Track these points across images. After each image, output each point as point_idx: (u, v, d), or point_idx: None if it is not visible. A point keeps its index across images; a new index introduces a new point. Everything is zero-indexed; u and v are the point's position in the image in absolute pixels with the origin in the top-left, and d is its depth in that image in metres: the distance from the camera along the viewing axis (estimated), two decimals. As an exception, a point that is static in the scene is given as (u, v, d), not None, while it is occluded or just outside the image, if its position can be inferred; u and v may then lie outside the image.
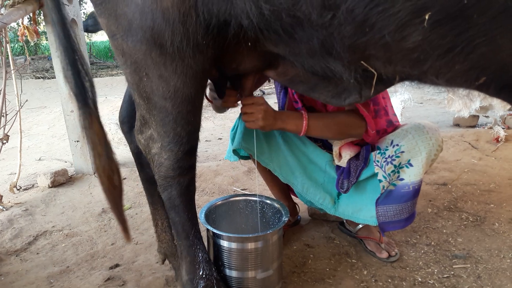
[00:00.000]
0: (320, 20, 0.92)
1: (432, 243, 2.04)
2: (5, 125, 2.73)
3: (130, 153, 1.78)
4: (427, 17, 0.79)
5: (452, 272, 1.80)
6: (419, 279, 1.76)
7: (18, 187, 3.08)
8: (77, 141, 3.14)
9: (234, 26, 1.06)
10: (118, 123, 1.79)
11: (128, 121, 1.69)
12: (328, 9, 0.89)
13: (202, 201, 2.68)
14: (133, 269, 1.94)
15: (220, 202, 1.76)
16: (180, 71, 1.17)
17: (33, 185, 3.15)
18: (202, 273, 1.50)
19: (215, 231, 1.53)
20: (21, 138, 3.01)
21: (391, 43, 0.89)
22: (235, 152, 1.88)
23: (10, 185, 3.04)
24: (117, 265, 1.99)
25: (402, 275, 1.79)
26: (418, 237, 2.11)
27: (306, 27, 0.97)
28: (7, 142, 2.74)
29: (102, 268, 1.99)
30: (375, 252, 1.93)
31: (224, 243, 1.53)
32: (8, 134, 2.75)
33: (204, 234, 1.66)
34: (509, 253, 1.92)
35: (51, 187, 3.01)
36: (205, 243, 1.62)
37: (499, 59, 0.86)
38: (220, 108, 1.70)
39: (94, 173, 3.23)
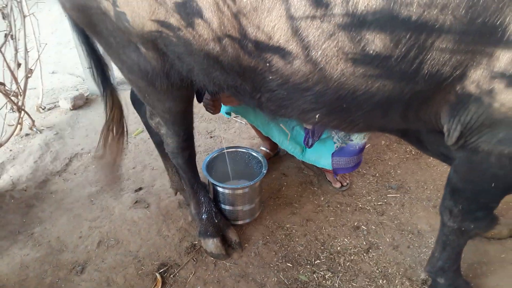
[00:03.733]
0: (253, 96, 1.43)
1: (377, 174, 2.70)
2: (26, 58, 3.12)
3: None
4: (317, 116, 1.30)
5: (385, 200, 2.49)
6: (360, 205, 2.46)
7: (43, 107, 3.60)
8: (90, 67, 3.55)
9: (198, 85, 1.55)
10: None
11: (137, 101, 2.20)
12: (256, 92, 1.39)
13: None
14: (153, 192, 2.62)
15: (216, 154, 2.35)
16: (171, 98, 1.68)
17: (55, 105, 3.67)
18: (205, 208, 2.17)
19: (214, 182, 2.15)
20: (41, 67, 3.41)
21: (297, 118, 1.44)
22: (227, 113, 2.40)
23: (36, 106, 3.57)
24: (140, 188, 2.67)
25: (348, 202, 2.49)
26: (368, 168, 2.76)
27: (245, 96, 1.48)
28: (31, 76, 3.17)
29: (129, 190, 2.66)
30: (332, 182, 2.59)
31: (221, 190, 2.17)
32: (32, 68, 3.16)
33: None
34: (431, 185, 2.59)
35: (72, 110, 3.54)
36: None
37: (375, 125, 1.42)
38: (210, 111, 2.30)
39: (106, 95, 3.72)
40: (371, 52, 1.11)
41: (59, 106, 3.64)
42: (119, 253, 2.20)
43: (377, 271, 2.05)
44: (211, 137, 3.15)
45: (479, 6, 1.02)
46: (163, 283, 2.03)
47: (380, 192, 2.56)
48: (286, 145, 2.46)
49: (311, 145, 2.35)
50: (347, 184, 2.59)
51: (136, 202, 2.54)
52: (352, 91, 1.22)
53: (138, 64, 1.52)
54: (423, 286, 1.96)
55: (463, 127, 1.28)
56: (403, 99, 1.25)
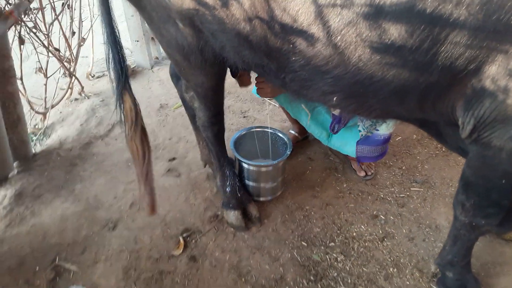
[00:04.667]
0: (277, 75, 1.52)
1: (403, 167, 2.71)
2: (81, 27, 3.34)
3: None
4: (335, 99, 1.37)
5: (407, 193, 2.51)
6: (382, 195, 2.50)
7: (92, 75, 3.84)
8: (137, 40, 3.75)
9: (229, 63, 1.65)
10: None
11: (176, 75, 2.33)
12: (281, 72, 1.47)
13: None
14: (185, 163, 2.77)
15: (245, 132, 2.45)
16: (204, 73, 1.80)
17: (103, 74, 3.90)
18: (229, 182, 2.30)
19: (240, 158, 2.26)
20: (93, 37, 3.64)
21: (318, 100, 1.51)
22: (259, 93, 2.50)
23: (86, 73, 3.81)
24: (174, 158, 2.83)
25: (370, 191, 2.53)
26: (395, 160, 2.78)
27: (271, 75, 1.57)
28: (83, 44, 3.39)
29: (163, 159, 2.83)
30: (356, 170, 2.64)
31: (246, 166, 2.28)
32: (84, 37, 3.39)
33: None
34: (456, 182, 2.54)
35: (118, 80, 3.74)
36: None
37: (392, 113, 1.47)
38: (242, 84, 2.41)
39: (151, 68, 3.92)
40: (387, 40, 1.16)
41: (107, 75, 3.86)
42: (148, 215, 2.38)
43: (389, 260, 2.11)
44: (244, 117, 3.25)
45: (494, 3, 1.05)
46: (185, 246, 2.18)
47: (404, 185, 2.58)
48: (312, 129, 2.52)
49: (337, 131, 2.40)
50: (372, 174, 2.62)
51: (168, 170, 2.71)
52: (369, 76, 1.28)
53: (176, 39, 1.64)
54: (433, 279, 1.99)
55: (477, 121, 1.31)
56: (419, 88, 1.30)
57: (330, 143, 2.54)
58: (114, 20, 1.82)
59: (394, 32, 1.15)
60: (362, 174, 2.61)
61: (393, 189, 2.55)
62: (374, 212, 2.38)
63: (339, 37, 1.21)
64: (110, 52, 1.83)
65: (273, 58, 1.42)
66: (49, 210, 2.43)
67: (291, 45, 1.31)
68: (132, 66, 3.93)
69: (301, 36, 1.26)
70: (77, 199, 2.52)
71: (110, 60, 1.85)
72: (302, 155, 2.83)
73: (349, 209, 2.41)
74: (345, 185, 2.58)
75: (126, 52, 4.29)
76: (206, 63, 1.70)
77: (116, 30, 1.84)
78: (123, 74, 1.86)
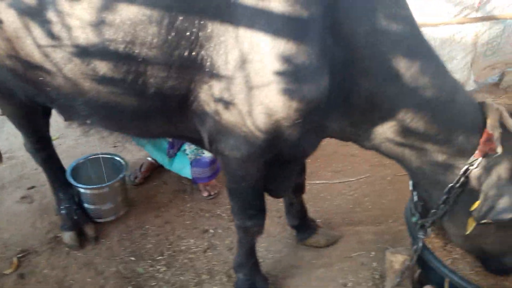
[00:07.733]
0: (52, 103, 1.75)
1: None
2: None
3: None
4: (89, 121, 1.63)
5: (242, 209, 2.79)
6: (218, 212, 2.77)
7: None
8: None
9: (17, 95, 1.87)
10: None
11: None
12: (50, 100, 1.70)
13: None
14: (41, 191, 2.93)
15: (82, 161, 2.67)
16: (8, 104, 2.02)
17: None
18: (64, 205, 2.48)
19: (74, 183, 2.47)
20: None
21: (83, 123, 1.76)
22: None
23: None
24: (33, 187, 2.98)
25: (209, 209, 2.80)
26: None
27: (48, 103, 1.80)
28: None
29: (23, 188, 2.98)
30: (201, 191, 2.91)
31: (82, 190, 2.49)
32: None
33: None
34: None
35: (1, 115, 3.88)
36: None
37: (153, 131, 1.75)
38: None
39: (36, 103, 4.09)
40: (102, 73, 1.45)
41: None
42: (-8, 238, 2.52)
43: (206, 268, 2.35)
44: (114, 146, 3.47)
45: (170, 41, 1.35)
46: (18, 266, 2.34)
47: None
48: (155, 155, 2.78)
49: (172, 156, 2.68)
50: (215, 194, 2.89)
51: (23, 197, 2.86)
52: (106, 102, 1.55)
53: None
54: (238, 282, 2.25)
55: (209, 135, 1.60)
56: (153, 111, 1.58)
57: (172, 167, 2.81)
58: None
59: (104, 66, 1.44)
60: (205, 194, 2.88)
61: (228, 207, 2.82)
62: (206, 227, 2.64)
63: (68, 71, 1.48)
64: None
65: (39, 89, 1.67)
66: None
67: (41, 78, 1.57)
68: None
69: (42, 70, 1.53)
70: None
71: None
72: (158, 180, 3.07)
73: (185, 225, 2.66)
74: (188, 205, 2.84)
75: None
76: (4, 95, 1.93)
77: None
78: None
